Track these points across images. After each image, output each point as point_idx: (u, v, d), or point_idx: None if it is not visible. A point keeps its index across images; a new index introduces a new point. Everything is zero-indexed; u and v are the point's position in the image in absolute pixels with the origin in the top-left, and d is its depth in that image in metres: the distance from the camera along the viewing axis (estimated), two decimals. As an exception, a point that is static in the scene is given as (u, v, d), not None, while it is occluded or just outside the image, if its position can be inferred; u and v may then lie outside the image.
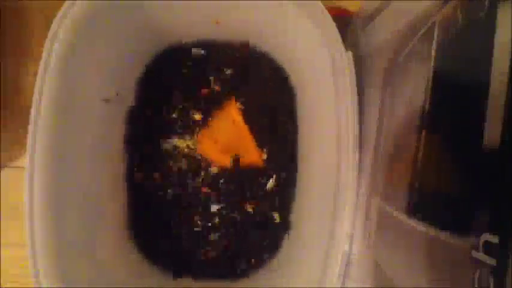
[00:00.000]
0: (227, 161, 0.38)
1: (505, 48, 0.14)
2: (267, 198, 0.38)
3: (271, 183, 0.38)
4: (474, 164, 0.15)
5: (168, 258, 0.38)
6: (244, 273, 0.37)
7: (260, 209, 0.38)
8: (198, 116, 0.39)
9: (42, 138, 0.27)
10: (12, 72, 0.40)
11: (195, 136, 0.39)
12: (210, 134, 0.38)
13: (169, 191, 0.39)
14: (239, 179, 0.38)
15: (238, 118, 0.38)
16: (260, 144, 0.38)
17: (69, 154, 0.30)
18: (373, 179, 0.26)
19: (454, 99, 0.18)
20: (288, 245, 0.37)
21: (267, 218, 0.38)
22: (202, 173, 0.38)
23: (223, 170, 0.38)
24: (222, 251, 0.38)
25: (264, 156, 0.38)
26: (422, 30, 0.21)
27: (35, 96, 0.28)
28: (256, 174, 0.38)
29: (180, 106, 0.39)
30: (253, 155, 0.37)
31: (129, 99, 0.38)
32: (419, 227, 0.19)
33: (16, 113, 0.40)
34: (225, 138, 0.38)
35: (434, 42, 0.20)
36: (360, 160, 0.27)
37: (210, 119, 0.38)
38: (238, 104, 0.38)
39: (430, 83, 0.20)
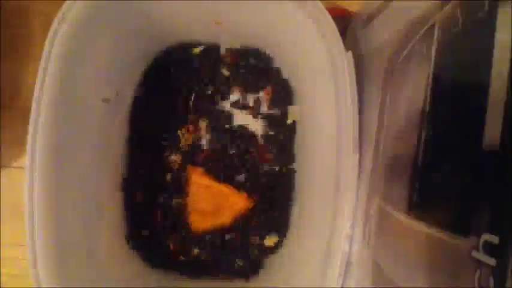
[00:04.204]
0: (225, 220, 0.38)
1: (505, 48, 0.14)
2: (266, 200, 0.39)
3: (268, 240, 0.38)
4: (474, 164, 0.15)
5: (168, 258, 0.38)
6: (244, 273, 0.37)
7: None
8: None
9: (42, 138, 0.27)
10: (12, 72, 0.40)
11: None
12: (195, 209, 0.38)
13: (166, 195, 0.39)
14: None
15: (207, 181, 0.38)
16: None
17: (69, 154, 0.30)
18: (373, 179, 0.26)
19: (454, 99, 0.18)
20: (288, 245, 0.37)
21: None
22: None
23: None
24: (222, 251, 0.38)
25: (250, 205, 0.38)
26: (422, 30, 0.21)
27: (35, 96, 0.28)
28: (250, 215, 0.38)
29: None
30: (239, 203, 0.37)
31: (129, 100, 0.38)
32: (420, 227, 0.19)
33: (16, 113, 0.40)
34: (209, 205, 0.38)
35: (434, 42, 0.20)
36: (360, 160, 0.27)
37: (186, 197, 0.38)
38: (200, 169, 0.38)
39: (430, 83, 0.20)
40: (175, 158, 0.39)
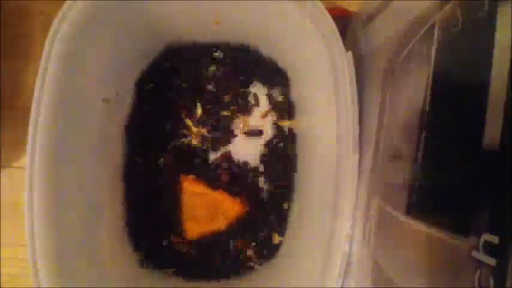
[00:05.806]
0: (220, 226, 0.37)
1: (505, 48, 0.14)
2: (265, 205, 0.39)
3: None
4: (474, 164, 0.15)
5: (168, 257, 0.38)
6: (244, 273, 0.37)
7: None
8: (199, 111, 0.39)
9: (42, 138, 0.27)
10: (12, 72, 0.40)
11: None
12: (188, 216, 0.38)
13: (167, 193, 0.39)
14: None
15: (200, 189, 0.38)
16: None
17: (69, 154, 0.30)
18: (373, 179, 0.26)
19: (454, 100, 0.18)
20: (288, 245, 0.37)
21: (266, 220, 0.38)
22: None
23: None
24: (222, 250, 0.38)
25: (245, 209, 0.38)
26: (422, 30, 0.21)
27: (35, 96, 0.28)
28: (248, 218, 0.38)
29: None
30: (233, 208, 0.37)
31: (129, 100, 0.38)
32: (419, 227, 0.19)
33: (16, 113, 0.40)
34: (203, 212, 0.37)
35: (434, 42, 0.20)
36: (360, 160, 0.27)
37: (180, 205, 0.38)
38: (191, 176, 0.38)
39: (430, 83, 0.20)
40: (172, 159, 0.39)
